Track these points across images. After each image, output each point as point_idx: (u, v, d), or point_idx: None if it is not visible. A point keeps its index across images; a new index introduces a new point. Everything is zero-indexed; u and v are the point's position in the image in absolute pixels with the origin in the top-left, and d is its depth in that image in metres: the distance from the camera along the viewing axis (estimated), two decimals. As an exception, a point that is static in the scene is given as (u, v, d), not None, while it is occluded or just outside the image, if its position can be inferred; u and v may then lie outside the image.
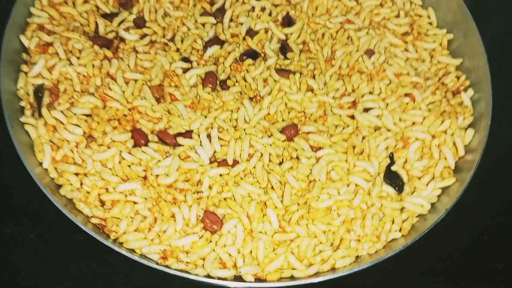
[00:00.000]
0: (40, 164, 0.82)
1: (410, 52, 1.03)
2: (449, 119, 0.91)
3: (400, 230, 0.83)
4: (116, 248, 0.75)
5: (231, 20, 1.02)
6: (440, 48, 1.04)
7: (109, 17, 0.99)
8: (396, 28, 1.06)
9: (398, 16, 1.09)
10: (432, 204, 0.85)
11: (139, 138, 0.86)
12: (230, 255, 0.79)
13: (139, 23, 1.00)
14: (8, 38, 0.87)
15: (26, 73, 0.88)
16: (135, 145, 0.86)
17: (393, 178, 0.86)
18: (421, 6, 1.10)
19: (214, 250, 0.79)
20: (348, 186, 0.85)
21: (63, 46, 0.91)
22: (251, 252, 0.79)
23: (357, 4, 1.09)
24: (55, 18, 0.94)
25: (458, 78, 0.99)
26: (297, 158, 0.88)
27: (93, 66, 0.91)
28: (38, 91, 0.86)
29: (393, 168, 0.87)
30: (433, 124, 0.91)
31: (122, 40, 0.97)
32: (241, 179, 0.85)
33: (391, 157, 0.88)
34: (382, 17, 1.08)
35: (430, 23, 1.08)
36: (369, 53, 1.02)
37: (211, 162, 0.86)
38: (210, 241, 0.79)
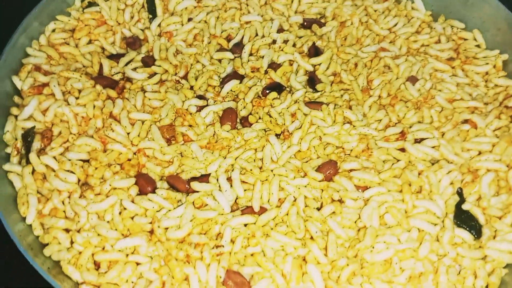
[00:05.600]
0: (23, 219, 0.67)
1: (460, 77, 0.89)
2: (525, 144, 0.74)
3: (486, 287, 0.63)
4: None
5: (250, 54, 0.91)
6: (494, 70, 0.90)
7: (115, 58, 0.89)
8: (439, 53, 0.93)
9: (439, 41, 0.97)
10: (524, 250, 0.66)
11: (145, 185, 0.71)
12: (264, 328, 0.60)
13: (148, 61, 0.89)
14: (-1, 79, 0.77)
15: (16, 116, 0.77)
16: (140, 193, 0.71)
17: (466, 220, 0.68)
18: (465, 29, 0.98)
19: (242, 323, 0.60)
20: (409, 232, 0.66)
21: (61, 87, 0.80)
22: (291, 323, 0.60)
23: (390, 32, 0.98)
24: (54, 58, 0.84)
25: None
26: (340, 200, 0.71)
27: (94, 106, 0.79)
28: (28, 135, 0.73)
29: (464, 206, 0.68)
30: (506, 152, 0.73)
31: (129, 80, 0.86)
32: (272, 229, 0.68)
33: (459, 193, 0.70)
34: (421, 44, 0.96)
35: (478, 46, 0.95)
36: (412, 80, 0.89)
37: (232, 210, 0.70)
38: (236, 311, 0.61)
